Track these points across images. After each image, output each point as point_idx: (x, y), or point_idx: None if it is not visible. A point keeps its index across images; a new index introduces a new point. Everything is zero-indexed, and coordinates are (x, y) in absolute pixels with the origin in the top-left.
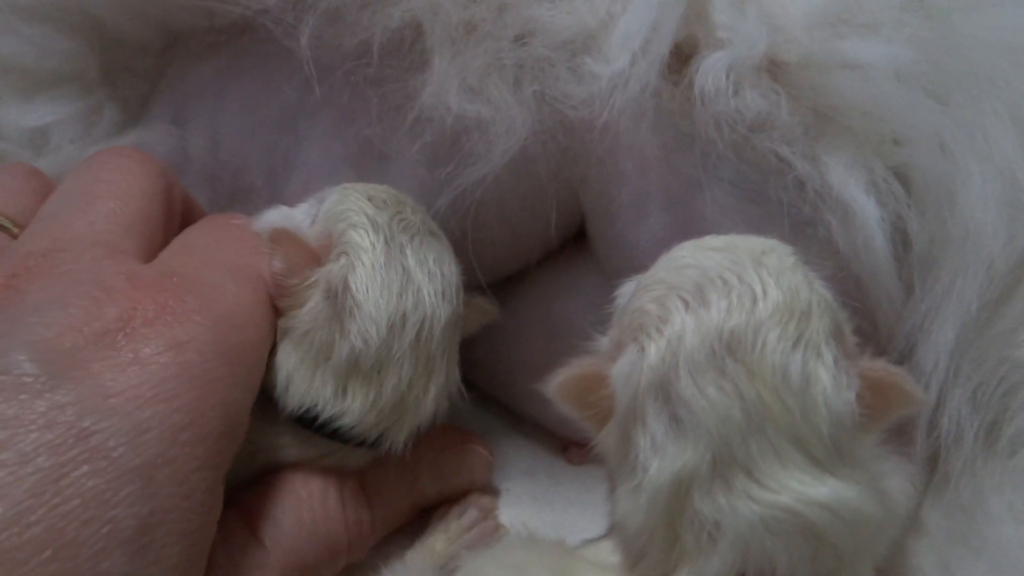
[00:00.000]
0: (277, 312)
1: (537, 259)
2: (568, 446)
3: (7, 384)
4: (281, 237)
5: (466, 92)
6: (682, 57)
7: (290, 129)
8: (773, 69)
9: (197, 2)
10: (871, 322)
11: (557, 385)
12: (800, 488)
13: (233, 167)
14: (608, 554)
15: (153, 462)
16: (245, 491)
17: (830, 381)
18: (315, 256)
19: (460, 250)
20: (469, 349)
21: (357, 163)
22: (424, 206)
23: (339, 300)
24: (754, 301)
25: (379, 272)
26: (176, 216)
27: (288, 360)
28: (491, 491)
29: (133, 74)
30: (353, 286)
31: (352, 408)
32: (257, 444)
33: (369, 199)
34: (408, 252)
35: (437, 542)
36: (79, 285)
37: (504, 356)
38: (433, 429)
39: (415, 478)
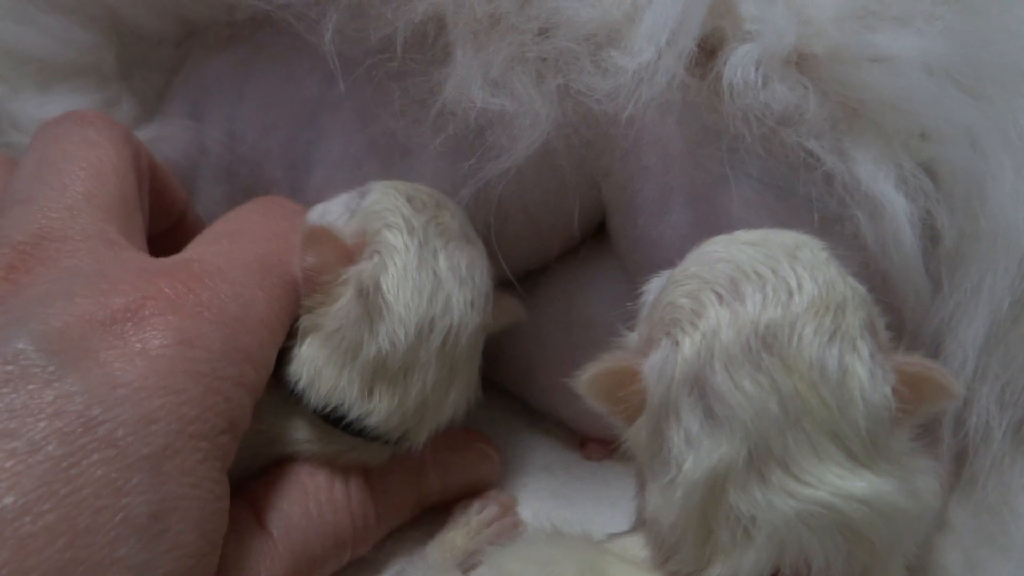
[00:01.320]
0: (295, 312)
1: (558, 254)
2: (586, 442)
3: (15, 374)
4: (316, 234)
5: (489, 85)
6: (708, 51)
7: (311, 123)
8: (801, 62)
9: None
10: (898, 318)
11: (587, 379)
12: (837, 482)
13: (251, 161)
14: (637, 549)
15: (161, 452)
16: (252, 483)
17: (867, 375)
18: (349, 253)
19: (484, 243)
20: (487, 344)
21: (379, 157)
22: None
23: (370, 300)
24: (789, 295)
25: (411, 275)
26: (145, 180)
27: (316, 357)
28: (499, 486)
29: (150, 67)
30: (384, 287)
31: (379, 408)
32: (273, 435)
33: (408, 199)
34: (441, 257)
35: (457, 536)
36: (83, 276)
37: (523, 351)
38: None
39: (421, 475)
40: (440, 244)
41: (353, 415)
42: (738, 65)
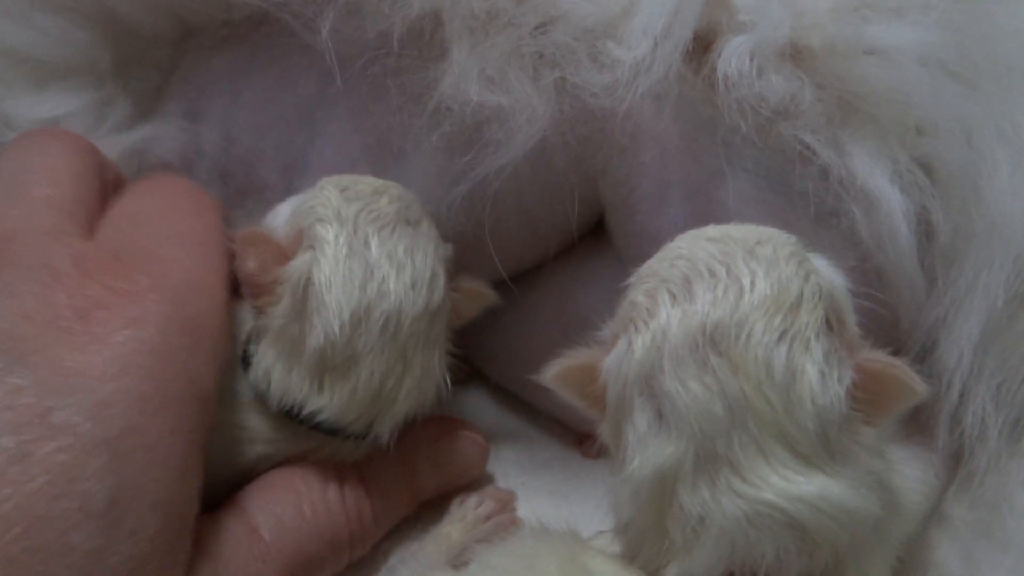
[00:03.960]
0: (231, 272)
1: (555, 252)
2: (584, 439)
3: None
4: (251, 237)
5: (485, 81)
6: (704, 43)
7: (306, 123)
8: (796, 55)
9: None
10: (892, 315)
11: (553, 375)
12: (783, 485)
13: (247, 162)
14: (618, 545)
15: (120, 433)
16: (244, 489)
17: (816, 375)
18: (284, 252)
19: (478, 242)
20: (485, 342)
21: (375, 155)
22: (442, 197)
23: (304, 295)
24: (740, 294)
25: (342, 265)
26: (111, 193)
27: (266, 358)
28: (485, 479)
29: (146, 66)
30: (316, 280)
31: (331, 403)
32: (251, 435)
33: (342, 191)
34: (374, 244)
35: (454, 531)
36: (28, 272)
37: (520, 349)
38: (427, 420)
39: (413, 469)
40: (372, 231)
41: (308, 411)
42: (732, 56)
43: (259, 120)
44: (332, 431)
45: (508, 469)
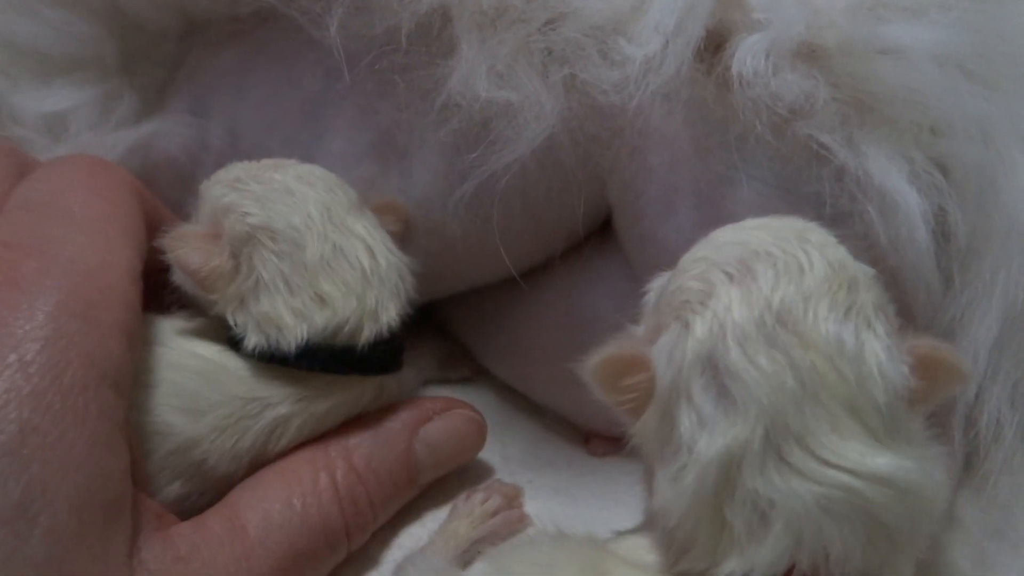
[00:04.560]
0: (144, 250)
1: (562, 250)
2: (590, 438)
3: None
4: (178, 237)
5: (494, 78)
6: (716, 43)
7: (312, 120)
8: (811, 55)
9: None
10: (908, 316)
11: (594, 365)
12: (858, 459)
13: (252, 158)
14: (643, 551)
15: (19, 433)
16: (234, 488)
17: (883, 351)
18: (214, 235)
19: (483, 240)
20: (492, 341)
21: (380, 152)
22: (448, 194)
23: (253, 238)
24: (801, 272)
25: (267, 197)
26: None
27: (260, 314)
28: (483, 471)
29: (152, 61)
30: (253, 221)
31: (333, 304)
32: (263, 402)
33: (226, 170)
34: (278, 175)
35: (461, 527)
36: None
37: (527, 347)
38: (419, 400)
39: (408, 450)
40: (273, 171)
41: (319, 333)
42: (747, 54)
43: (265, 116)
44: (343, 357)
45: (514, 467)
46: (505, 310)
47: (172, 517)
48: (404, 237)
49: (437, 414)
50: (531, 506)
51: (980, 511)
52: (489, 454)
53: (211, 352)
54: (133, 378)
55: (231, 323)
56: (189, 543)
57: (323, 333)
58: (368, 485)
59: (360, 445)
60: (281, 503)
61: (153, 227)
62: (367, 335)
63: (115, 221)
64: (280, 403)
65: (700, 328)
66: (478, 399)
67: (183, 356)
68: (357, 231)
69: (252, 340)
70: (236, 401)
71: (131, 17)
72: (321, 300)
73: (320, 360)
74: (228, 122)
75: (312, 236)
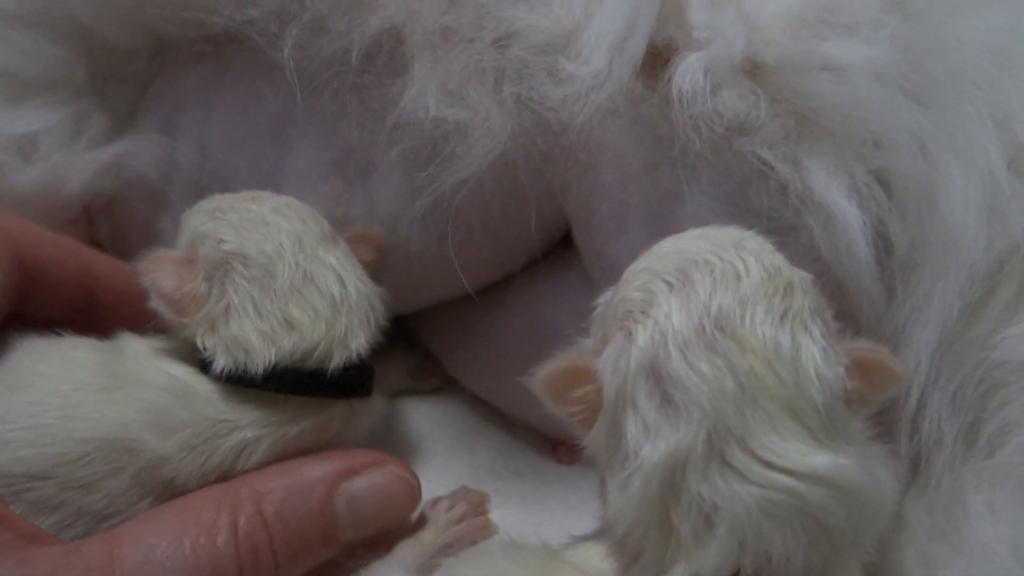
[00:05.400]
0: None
1: (522, 265)
2: (557, 445)
3: None
4: (153, 261)
5: (446, 96)
6: (662, 61)
7: (278, 139)
8: (752, 71)
9: (182, 13)
10: (853, 326)
11: (542, 379)
12: (799, 458)
13: (222, 176)
14: (598, 559)
15: None
16: (137, 515)
17: (819, 353)
18: (189, 260)
19: (442, 256)
20: (459, 353)
21: (342, 171)
22: (404, 211)
23: (227, 264)
24: (738, 278)
25: (243, 224)
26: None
27: (230, 338)
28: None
29: (121, 81)
30: (227, 247)
31: (305, 330)
32: (230, 425)
33: (207, 200)
34: (254, 207)
35: (426, 533)
36: None
37: (493, 359)
38: (345, 452)
39: (325, 502)
40: (251, 203)
41: (288, 357)
42: (687, 72)
43: (232, 135)
44: (311, 380)
45: (482, 476)
46: (471, 322)
47: (50, 538)
48: (378, 266)
49: (366, 468)
50: (498, 514)
51: (925, 513)
52: (458, 463)
53: (182, 372)
54: (106, 393)
55: (200, 346)
56: (49, 566)
57: (291, 357)
58: (274, 533)
59: (274, 491)
60: (169, 540)
61: (40, 262)
62: (337, 361)
63: None
64: (247, 426)
65: (642, 337)
66: (448, 408)
67: (155, 374)
68: (328, 261)
69: (220, 362)
70: (205, 421)
71: (100, 39)
72: (289, 325)
73: (287, 383)
74: (197, 140)
75: (283, 263)
